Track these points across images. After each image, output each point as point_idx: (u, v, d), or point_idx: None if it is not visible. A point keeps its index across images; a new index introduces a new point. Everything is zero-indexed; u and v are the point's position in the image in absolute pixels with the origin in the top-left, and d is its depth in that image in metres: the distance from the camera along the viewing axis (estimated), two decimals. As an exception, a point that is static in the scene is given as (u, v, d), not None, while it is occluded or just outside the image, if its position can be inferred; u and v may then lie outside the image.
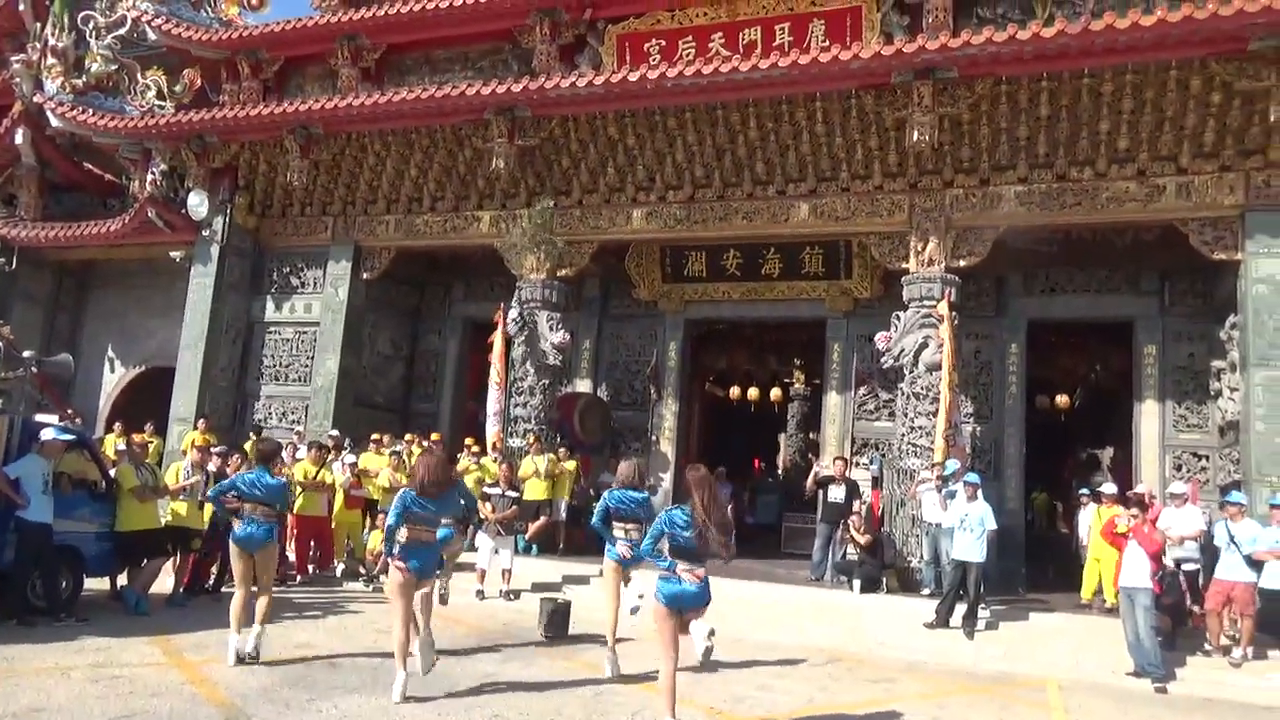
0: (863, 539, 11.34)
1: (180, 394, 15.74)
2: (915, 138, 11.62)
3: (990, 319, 14.18)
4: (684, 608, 5.76)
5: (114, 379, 17.89)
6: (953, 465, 11.14)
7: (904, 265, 12.59)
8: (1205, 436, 12.91)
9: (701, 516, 5.74)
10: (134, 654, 7.15)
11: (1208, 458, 12.84)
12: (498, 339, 14.47)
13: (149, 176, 16.09)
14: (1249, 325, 11.02)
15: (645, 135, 13.45)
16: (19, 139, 16.88)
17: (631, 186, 14.12)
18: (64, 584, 8.63)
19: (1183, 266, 12.93)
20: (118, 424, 14.73)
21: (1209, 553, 9.98)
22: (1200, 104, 11.03)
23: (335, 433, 14.23)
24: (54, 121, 15.90)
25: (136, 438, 11.65)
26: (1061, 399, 18.18)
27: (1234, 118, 11.01)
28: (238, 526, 7.34)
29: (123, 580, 9.63)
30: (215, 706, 5.74)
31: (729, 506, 16.92)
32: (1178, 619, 9.85)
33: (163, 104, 16.10)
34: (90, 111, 15.63)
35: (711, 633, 5.67)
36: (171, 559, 10.03)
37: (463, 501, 7.14)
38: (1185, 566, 10.35)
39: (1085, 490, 13.23)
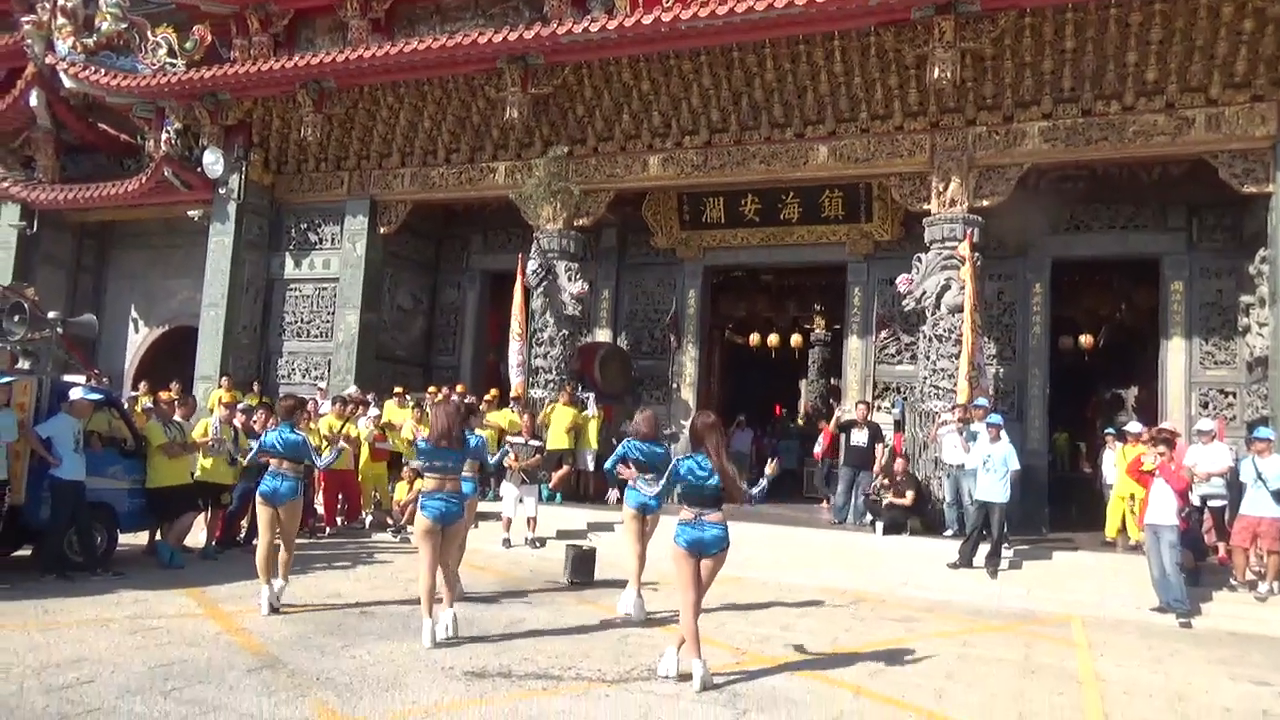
0: (907, 499, 11.34)
1: (204, 352, 15.90)
2: (936, 75, 11.37)
3: (1013, 259, 13.99)
4: (703, 552, 5.78)
5: (138, 339, 18.07)
6: (983, 401, 11.11)
7: (925, 206, 12.41)
8: (1232, 373, 12.76)
9: (716, 461, 5.74)
10: (170, 606, 7.31)
11: (1235, 394, 12.71)
12: (517, 290, 14.48)
13: (163, 135, 16.05)
14: (1279, 259, 10.81)
15: (660, 80, 13.25)
16: (33, 101, 16.84)
17: (647, 133, 13.95)
18: (99, 539, 8.81)
19: (1211, 200, 12.68)
20: (143, 383, 14.92)
21: (1235, 489, 9.93)
22: (1231, 31, 10.70)
23: (353, 389, 14.30)
24: (66, 82, 15.83)
25: (163, 395, 11.82)
26: (1086, 339, 18.00)
27: (1266, 45, 10.68)
28: (264, 481, 7.45)
29: (157, 536, 9.83)
30: (251, 654, 5.87)
31: (753, 451, 17.05)
32: (1198, 554, 9.86)
33: (174, 62, 15.97)
34: (102, 71, 15.56)
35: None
36: (203, 513, 10.20)
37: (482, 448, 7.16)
38: (1211, 503, 10.34)
39: (1111, 430, 13.14)
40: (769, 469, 6.22)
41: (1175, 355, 13.09)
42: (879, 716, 5.17)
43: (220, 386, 14.69)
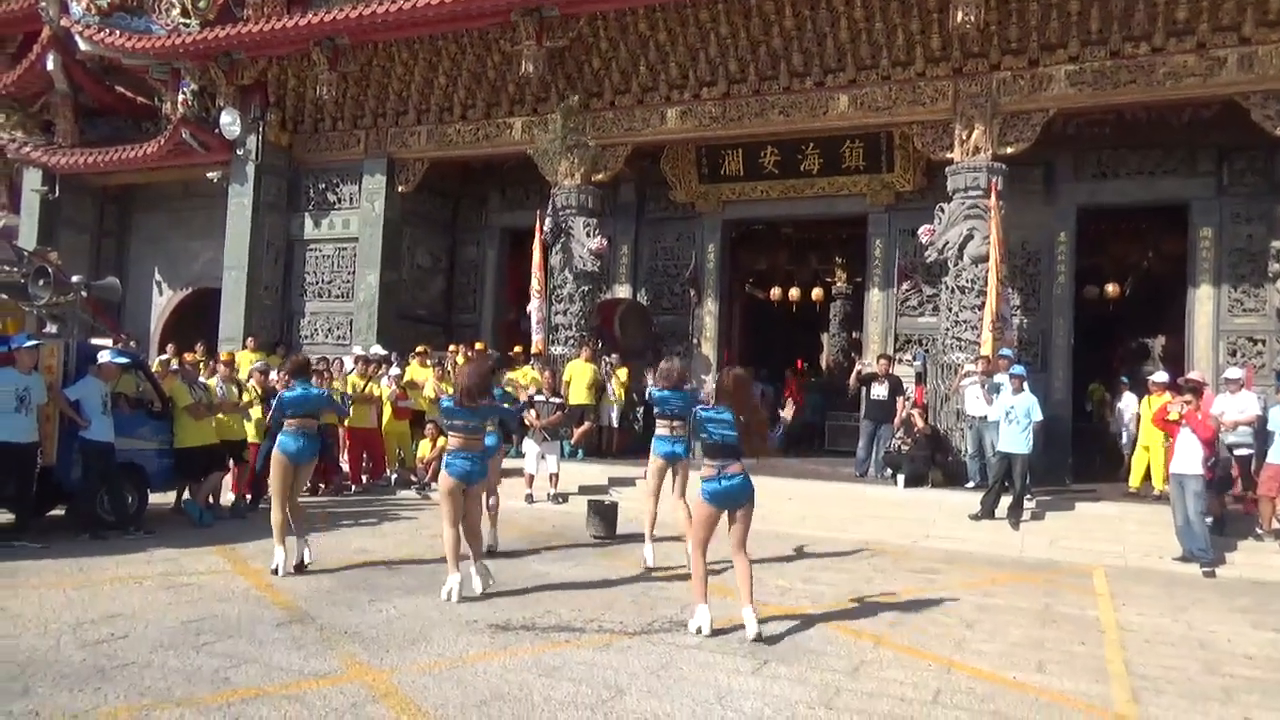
0: (921, 421, 11.48)
1: (227, 314, 16.04)
2: (960, 18, 11.11)
3: (1038, 207, 13.76)
4: (730, 506, 5.80)
5: (162, 301, 18.23)
6: (1008, 352, 11.04)
7: (948, 155, 12.22)
8: (1262, 320, 12.58)
9: (738, 416, 5.74)
10: (201, 563, 7.45)
11: (1264, 342, 12.54)
12: (536, 247, 14.44)
13: (179, 97, 16.04)
14: (1312, 203, 10.58)
15: (677, 30, 13.03)
16: (50, 64, 16.84)
17: (664, 85, 13.76)
18: (130, 499, 8.98)
19: (1242, 144, 12.40)
20: (170, 345, 15.07)
21: (1262, 438, 9.82)
22: (1266, -35, 10.38)
23: (378, 349, 14.35)
24: (82, 45, 15.80)
25: (188, 357, 11.96)
26: (1112, 288, 17.75)
27: (1303, -20, 10.35)
28: (286, 439, 7.24)
29: (184, 496, 10.00)
30: (281, 609, 5.99)
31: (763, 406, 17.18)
32: (1223, 486, 9.77)
33: (188, 22, 15.86)
34: (116, 33, 15.50)
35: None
36: (230, 472, 10.35)
37: (504, 407, 7.11)
38: (1238, 452, 10.23)
39: (1125, 379, 13.17)
40: (785, 413, 6.25)
41: (1203, 303, 12.90)
42: (899, 666, 5.21)
43: (245, 347, 14.83)
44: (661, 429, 7.79)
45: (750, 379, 6.02)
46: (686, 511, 7.50)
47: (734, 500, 5.80)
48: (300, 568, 7.13)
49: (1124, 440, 13.30)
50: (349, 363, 13.47)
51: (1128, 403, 13.40)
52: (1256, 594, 7.78)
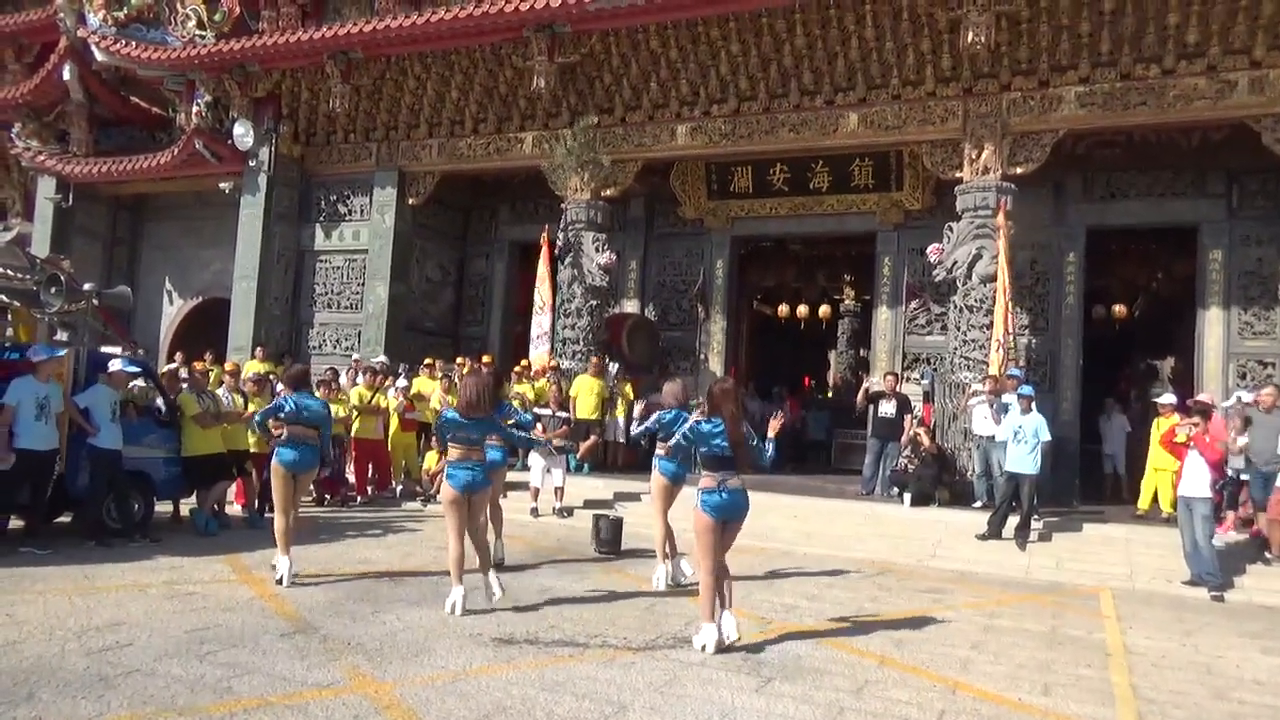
0: (927, 440, 11.43)
1: (237, 324, 16.11)
2: (970, 39, 11.15)
3: (1047, 227, 13.76)
4: (728, 518, 5.85)
5: (173, 310, 18.32)
6: (1016, 371, 11.03)
7: (957, 174, 12.23)
8: (1272, 343, 12.54)
9: (732, 429, 5.78)
10: (206, 572, 7.46)
11: (1274, 365, 12.48)
12: (542, 262, 14.48)
13: (194, 108, 16.18)
14: (1323, 226, 10.56)
15: (688, 48, 13.10)
16: (66, 75, 17.00)
17: (675, 102, 13.83)
18: (136, 507, 8.99)
19: (1253, 167, 12.40)
20: (178, 354, 15.13)
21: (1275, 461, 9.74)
22: (1277, -10, 10.39)
23: (383, 359, 14.39)
24: (98, 55, 15.97)
25: (197, 366, 12.00)
26: (1121, 309, 17.71)
27: (1314, 4, 10.36)
28: (284, 450, 7.30)
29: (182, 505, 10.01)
30: (285, 619, 5.99)
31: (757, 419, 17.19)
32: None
33: (203, 34, 16.01)
34: (133, 44, 15.66)
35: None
36: (234, 481, 10.36)
37: (512, 422, 7.20)
38: (1245, 476, 10.17)
39: (1110, 398, 13.44)
40: (771, 429, 6.26)
41: (1213, 325, 12.87)
42: (903, 686, 5.18)
43: (255, 357, 14.88)
44: (661, 449, 7.76)
45: (734, 390, 6.04)
46: None
47: (733, 513, 5.86)
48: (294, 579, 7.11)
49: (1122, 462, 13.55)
50: (353, 373, 13.51)
51: (1120, 424, 13.80)
52: (1266, 619, 7.73)
